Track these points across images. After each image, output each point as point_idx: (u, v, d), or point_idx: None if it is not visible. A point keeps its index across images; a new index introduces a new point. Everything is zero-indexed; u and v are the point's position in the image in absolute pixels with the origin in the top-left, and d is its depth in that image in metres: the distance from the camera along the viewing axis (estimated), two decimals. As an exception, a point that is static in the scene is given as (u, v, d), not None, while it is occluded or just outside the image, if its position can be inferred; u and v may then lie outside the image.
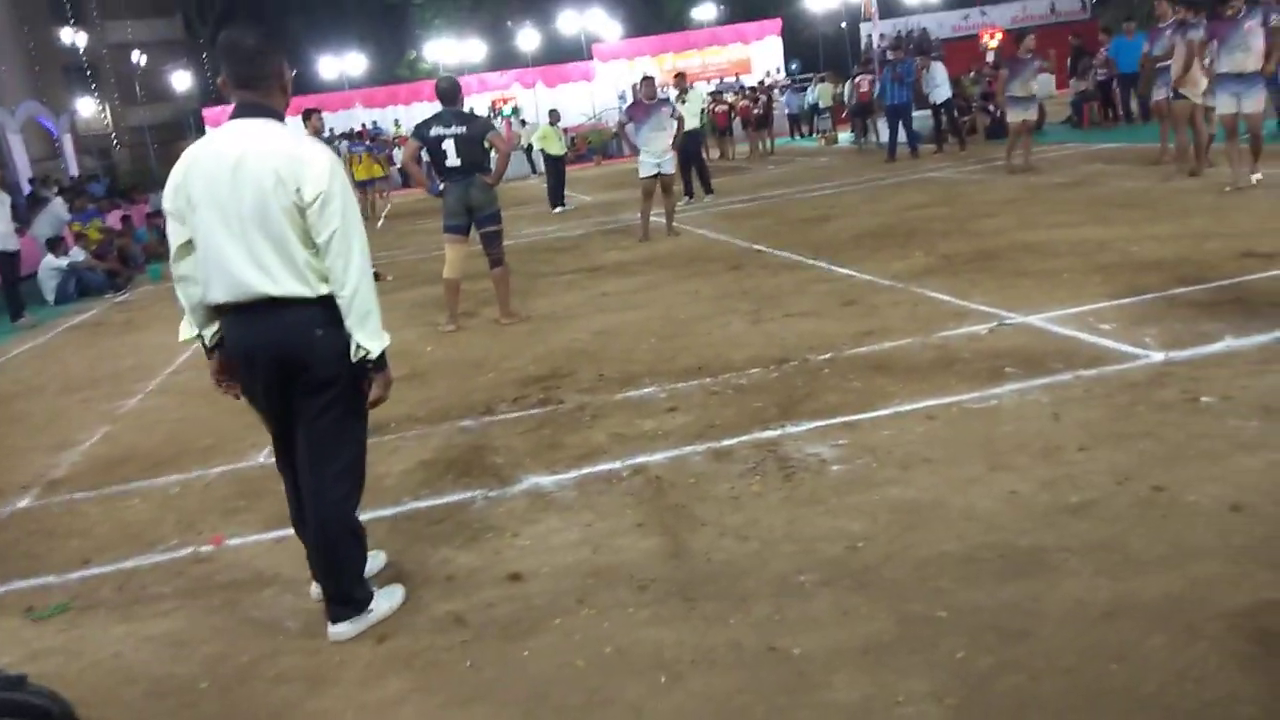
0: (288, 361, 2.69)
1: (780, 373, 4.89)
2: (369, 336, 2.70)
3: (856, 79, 19.00)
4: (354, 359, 2.72)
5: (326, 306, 2.68)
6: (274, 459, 3.04)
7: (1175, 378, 4.00)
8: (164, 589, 3.41)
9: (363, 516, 3.01)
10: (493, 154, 6.89)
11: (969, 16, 33.93)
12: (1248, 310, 4.77)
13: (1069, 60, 18.18)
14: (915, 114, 15.93)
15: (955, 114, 16.28)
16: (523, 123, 29.23)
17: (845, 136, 21.91)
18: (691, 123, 12.81)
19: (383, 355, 2.76)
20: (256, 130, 2.65)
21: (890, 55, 17.57)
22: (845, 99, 21.12)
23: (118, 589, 3.47)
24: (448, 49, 36.54)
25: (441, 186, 6.89)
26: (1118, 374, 4.15)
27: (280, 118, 2.73)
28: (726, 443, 4.01)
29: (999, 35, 28.73)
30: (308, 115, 9.92)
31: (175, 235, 2.74)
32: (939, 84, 15.70)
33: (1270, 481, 2.99)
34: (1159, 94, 9.92)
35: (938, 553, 2.85)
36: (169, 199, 2.71)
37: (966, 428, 3.82)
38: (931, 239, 8.01)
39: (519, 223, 14.40)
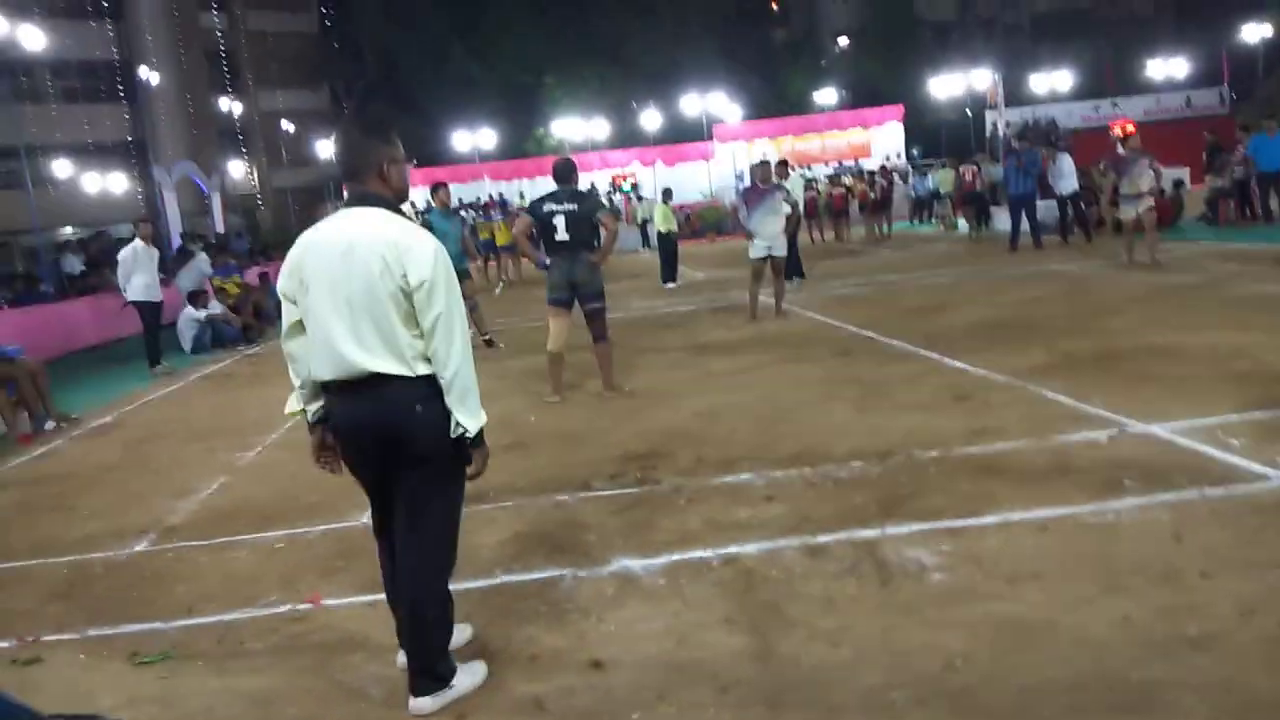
0: (389, 436, 2.78)
1: (884, 468, 4.76)
2: (468, 415, 2.80)
3: (962, 168, 19.03)
4: (453, 435, 2.81)
5: (426, 385, 2.78)
6: (372, 525, 3.11)
7: (1314, 504, 3.71)
8: (259, 645, 3.50)
9: (454, 586, 3.04)
10: (601, 232, 7.06)
11: (1099, 108, 33.25)
12: (1400, 434, 4.42)
13: (1205, 156, 17.55)
14: (1041, 204, 15.61)
15: (1082, 206, 15.84)
16: (639, 199, 29.89)
17: (962, 224, 21.55)
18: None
19: (480, 432, 2.83)
20: (365, 218, 2.80)
21: (1015, 144, 17.30)
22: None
23: (217, 641, 3.58)
24: (574, 126, 37.82)
25: (549, 261, 7.08)
26: (1246, 495, 3.88)
27: (389, 205, 2.86)
28: (823, 539, 3.91)
29: (1130, 128, 27.98)
30: (435, 189, 10.38)
31: (288, 315, 2.90)
32: (1065, 175, 15.34)
33: None
34: None
35: (1042, 679, 2.69)
36: (284, 281, 2.87)
37: (1080, 543, 3.62)
38: (1052, 335, 7.74)
39: (629, 296, 14.62)
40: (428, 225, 10.30)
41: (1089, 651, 2.81)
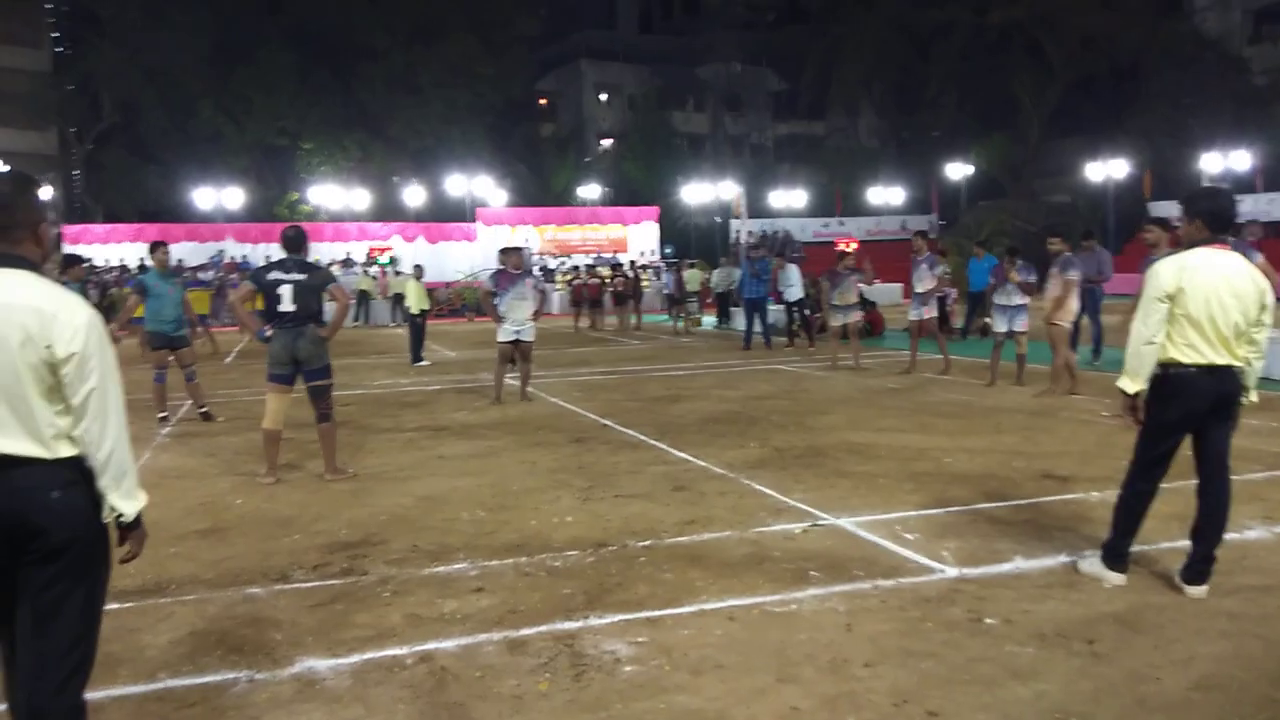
0: (17, 526, 2.44)
1: (597, 557, 4.81)
2: (124, 497, 2.55)
3: (679, 270, 20.99)
4: (106, 520, 2.54)
5: (66, 468, 2.49)
6: None
7: (964, 595, 4.11)
8: None
9: (110, 692, 2.73)
10: (330, 306, 6.83)
11: (829, 225, 36.71)
12: (1039, 532, 5.03)
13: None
14: (772, 308, 16.85)
15: (806, 312, 17.23)
16: (397, 273, 29.34)
17: (709, 320, 22.82)
18: None
19: (138, 515, 2.59)
20: (5, 282, 2.50)
21: (751, 254, 18.63)
22: (711, 286, 22.24)
23: None
24: (332, 194, 36.68)
25: (269, 333, 6.72)
26: (913, 587, 4.25)
27: (34, 268, 2.59)
28: (525, 632, 3.85)
29: (853, 244, 31.02)
30: (154, 247, 9.65)
31: None
32: (793, 284, 16.67)
33: (1035, 713, 3.05)
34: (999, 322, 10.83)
35: (709, 772, 2.75)
36: None
37: (763, 632, 3.80)
38: (768, 430, 8.25)
39: (374, 373, 14.16)
40: (141, 286, 9.51)
41: (756, 743, 2.92)
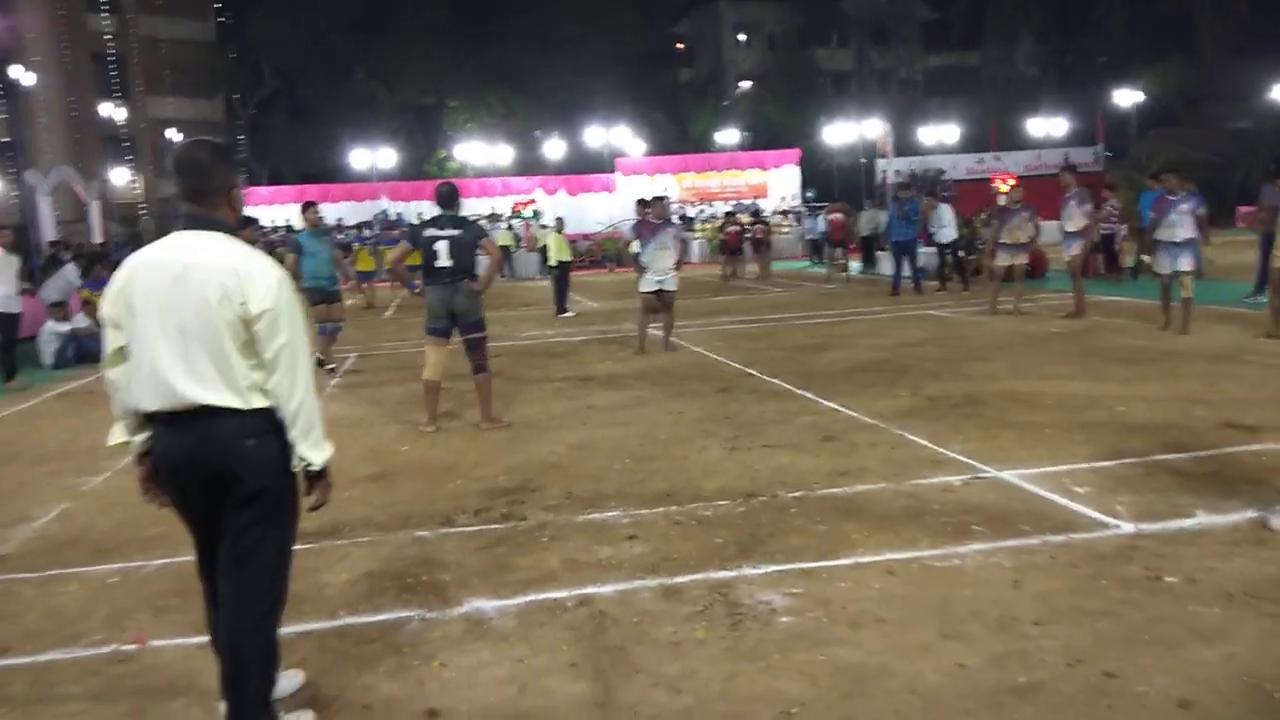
0: (216, 472, 2.64)
1: (747, 507, 4.80)
2: (312, 447, 2.71)
3: (831, 215, 20.18)
4: (295, 469, 2.71)
5: (260, 418, 2.65)
6: (196, 565, 2.94)
7: (1142, 552, 3.89)
8: (75, 689, 3.28)
9: (295, 629, 2.92)
10: (484, 260, 7.00)
11: (983, 160, 34.83)
12: (1224, 485, 4.68)
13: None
14: (924, 250, 16.24)
15: (960, 254, 16.52)
16: (542, 226, 29.84)
17: (855, 265, 22.23)
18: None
19: (325, 465, 2.75)
20: (203, 243, 2.68)
21: (899, 193, 17.96)
22: (855, 230, 21.60)
23: (30, 683, 3.34)
24: (477, 151, 37.58)
25: (419, 287, 6.97)
26: (1085, 543, 4.05)
27: (229, 230, 2.75)
28: (679, 580, 3.89)
29: (1011, 181, 29.40)
30: (306, 207, 10.10)
31: (110, 341, 2.73)
32: (945, 225, 15.98)
33: (1224, 677, 2.86)
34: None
35: (872, 727, 2.72)
36: (107, 305, 2.72)
37: (925, 587, 3.70)
38: (921, 379, 7.99)
39: (521, 324, 14.52)
40: (297, 245, 10.01)
41: (921, 700, 2.86)
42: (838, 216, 20.54)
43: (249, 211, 30.20)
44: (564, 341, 12.28)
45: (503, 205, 33.33)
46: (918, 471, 5.24)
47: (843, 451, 5.78)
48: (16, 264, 11.06)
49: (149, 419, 2.70)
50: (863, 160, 35.79)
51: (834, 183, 37.03)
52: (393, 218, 32.19)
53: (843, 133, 36.22)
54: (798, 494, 4.95)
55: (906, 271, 15.76)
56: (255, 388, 2.65)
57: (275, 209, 32.11)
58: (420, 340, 7.55)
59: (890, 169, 30.11)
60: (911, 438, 5.99)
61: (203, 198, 2.74)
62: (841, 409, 7.00)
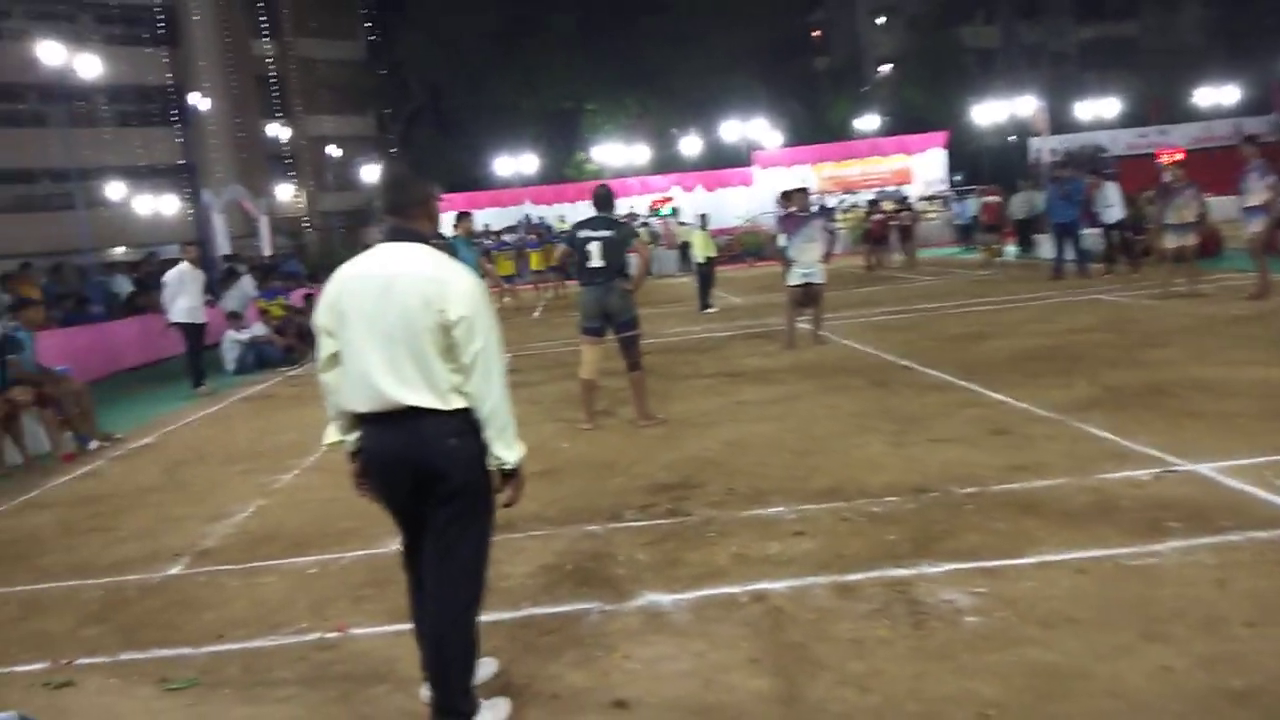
0: (422, 469, 2.79)
1: (918, 504, 4.68)
2: (506, 447, 2.84)
3: (985, 197, 19.24)
4: (491, 468, 2.84)
5: (460, 419, 2.79)
6: (402, 555, 3.10)
7: (1368, 551, 3.57)
8: (286, 674, 3.51)
9: (483, 618, 3.02)
10: (634, 260, 7.09)
11: (1146, 135, 32.73)
12: None
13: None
14: (1087, 231, 15.42)
15: (1128, 234, 15.58)
16: (681, 223, 29.93)
17: (1011, 249, 21.32)
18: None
19: (517, 464, 2.87)
20: (405, 254, 2.84)
21: (1059, 172, 17.10)
22: (1009, 213, 20.70)
23: (244, 668, 3.59)
24: (614, 152, 38.06)
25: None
26: (1298, 540, 3.75)
27: (426, 241, 2.90)
28: (854, 577, 3.84)
29: (1178, 155, 27.52)
30: (461, 216, 10.47)
31: (324, 348, 2.92)
32: (1111, 204, 15.10)
33: None
34: None
35: (1077, 731, 2.60)
36: (322, 315, 2.90)
37: (1120, 587, 3.52)
38: (1096, 367, 7.59)
39: (665, 321, 14.60)
40: (453, 251, 10.39)
41: (1125, 704, 2.72)
42: (993, 200, 19.73)
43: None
44: (710, 337, 12.28)
45: (641, 204, 33.62)
46: (1101, 466, 4.98)
47: (1017, 445, 5.55)
48: (202, 278, 11.93)
49: (360, 419, 2.87)
50: (1013, 139, 34.27)
51: (983, 165, 35.61)
52: (535, 221, 33.00)
53: (992, 112, 34.72)
54: (972, 490, 4.79)
55: (1069, 254, 14.99)
56: (455, 390, 2.78)
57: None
58: (569, 339, 7.72)
59: (1045, 148, 28.68)
60: (1091, 430, 5.69)
61: (403, 211, 2.91)
62: (1010, 400, 6.72)
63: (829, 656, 3.19)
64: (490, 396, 2.78)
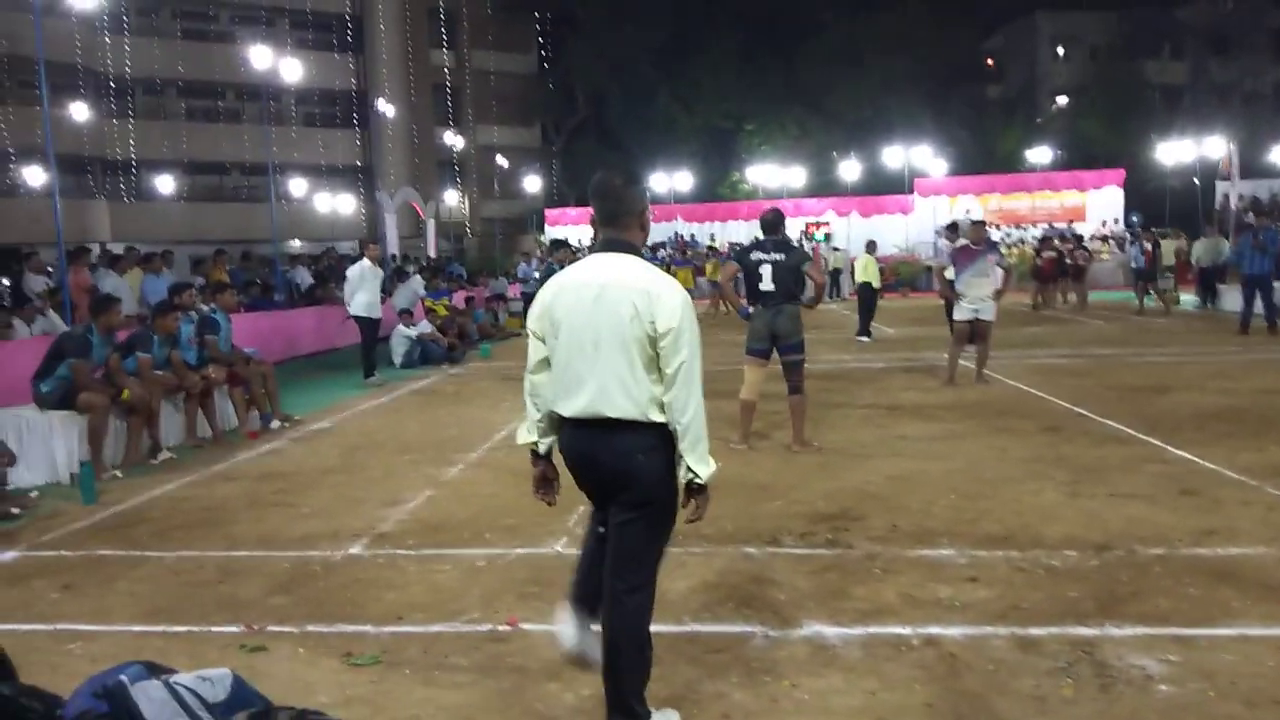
0: (613, 476, 2.87)
1: (1101, 561, 4.46)
2: (699, 460, 2.87)
3: (1145, 241, 18.40)
4: (682, 480, 2.89)
5: (653, 433, 2.85)
6: (576, 546, 3.18)
7: None
8: (462, 660, 3.65)
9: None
10: (809, 284, 7.08)
11: (1351, 183, 30.17)
12: None
13: None
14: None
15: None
16: (834, 249, 29.54)
17: (1189, 299, 20.04)
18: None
19: (707, 480, 2.90)
20: (618, 264, 2.91)
21: (1253, 220, 15.98)
22: (1191, 259, 19.49)
23: (423, 651, 3.76)
24: (770, 173, 37.93)
25: (750, 310, 7.11)
26: None
27: (638, 252, 2.98)
28: (1034, 631, 3.69)
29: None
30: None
31: (535, 352, 3.03)
32: (1311, 257, 14.01)
33: None
34: None
35: (1295, 825, 2.42)
36: (534, 320, 3.01)
37: (1335, 673, 3.25)
38: (1292, 432, 7.05)
39: (817, 349, 14.36)
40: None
41: (1352, 803, 2.51)
42: (1148, 246, 18.72)
43: (558, 233, 32.50)
44: (864, 368, 12.06)
45: (793, 227, 33.39)
46: (1305, 538, 4.63)
47: (1206, 508, 5.22)
48: (380, 275, 12.59)
49: (561, 422, 2.97)
50: (1196, 181, 32.21)
51: (1163, 206, 33.64)
52: (686, 238, 33.26)
53: (1176, 151, 32.74)
54: (1159, 551, 4.53)
55: (1259, 308, 13.97)
56: (654, 402, 2.85)
57: (583, 228, 34.25)
58: (721, 359, 7.72)
59: (1233, 192, 26.84)
60: (1292, 499, 5.30)
61: (616, 220, 2.98)
62: (1197, 460, 6.32)
63: (1010, 711, 3.08)
64: (689, 409, 2.82)
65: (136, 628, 4.10)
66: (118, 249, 17.07)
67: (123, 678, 2.70)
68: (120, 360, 7.76)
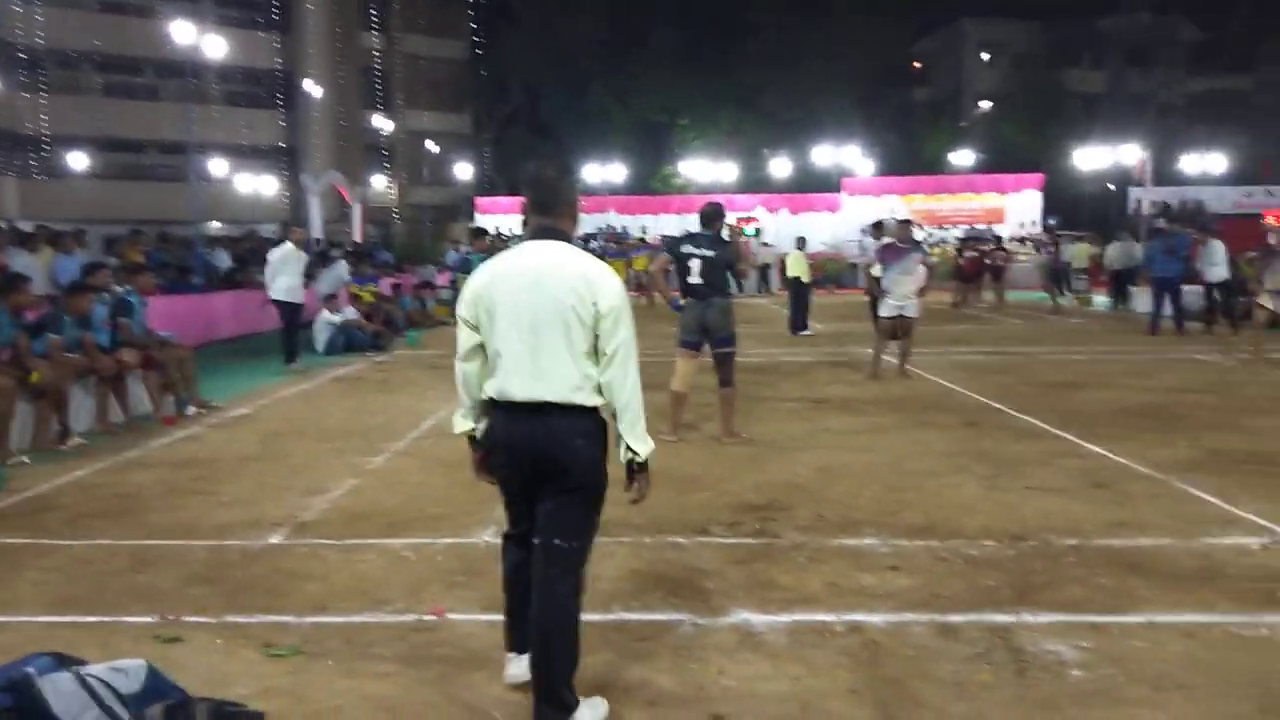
0: (545, 460, 2.87)
1: (1017, 551, 4.60)
2: (638, 440, 2.94)
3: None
4: (623, 459, 2.94)
5: (589, 418, 2.88)
6: (500, 538, 3.18)
7: None
8: (386, 651, 3.59)
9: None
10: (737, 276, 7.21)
11: (1253, 195, 31.67)
12: None
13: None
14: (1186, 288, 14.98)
15: (1230, 296, 15.07)
16: (764, 244, 29.85)
17: (1100, 300, 20.79)
18: None
19: (646, 459, 2.96)
20: (552, 251, 2.93)
21: (1164, 225, 16.65)
22: (1103, 262, 20.19)
23: (346, 641, 3.69)
24: (702, 168, 38.16)
25: (681, 302, 7.14)
26: None
27: (570, 240, 3.00)
28: (953, 618, 3.79)
29: (1285, 217, 26.57)
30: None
31: (465, 340, 3.00)
32: (1216, 263, 14.65)
33: None
34: None
35: (1196, 801, 2.53)
36: (466, 308, 2.98)
37: (1230, 655, 3.42)
38: (1197, 429, 7.37)
39: (747, 342, 14.46)
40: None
41: (1248, 779, 2.64)
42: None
43: (488, 220, 32.17)
44: (792, 361, 12.22)
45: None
46: (1206, 529, 4.84)
47: (1118, 501, 5.42)
48: (304, 260, 12.30)
49: (494, 408, 2.95)
50: (1111, 187, 33.45)
51: (1080, 210, 34.81)
52: (618, 231, 33.24)
53: (1093, 158, 33.93)
54: (1072, 542, 4.69)
55: (1168, 310, 14.57)
56: (591, 384, 2.87)
57: (513, 218, 33.92)
58: (651, 350, 7.72)
59: (1146, 199, 27.93)
60: (1196, 492, 5.53)
61: (549, 210, 2.99)
62: (1109, 454, 6.56)
63: (931, 696, 3.15)
64: (625, 388, 2.88)
65: (45, 618, 3.94)
66: (28, 227, 16.34)
67: (29, 669, 2.60)
68: (29, 341, 7.44)
